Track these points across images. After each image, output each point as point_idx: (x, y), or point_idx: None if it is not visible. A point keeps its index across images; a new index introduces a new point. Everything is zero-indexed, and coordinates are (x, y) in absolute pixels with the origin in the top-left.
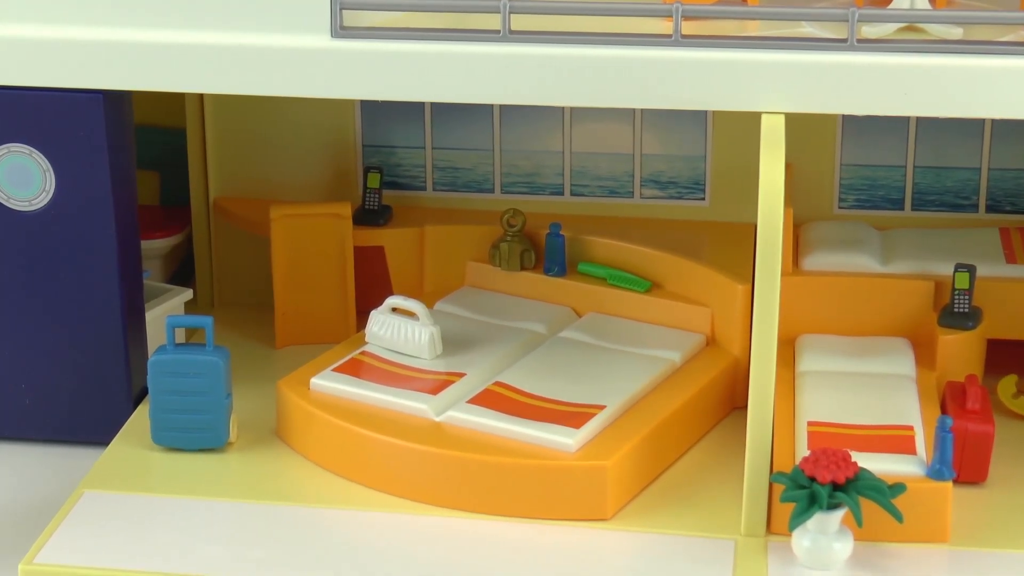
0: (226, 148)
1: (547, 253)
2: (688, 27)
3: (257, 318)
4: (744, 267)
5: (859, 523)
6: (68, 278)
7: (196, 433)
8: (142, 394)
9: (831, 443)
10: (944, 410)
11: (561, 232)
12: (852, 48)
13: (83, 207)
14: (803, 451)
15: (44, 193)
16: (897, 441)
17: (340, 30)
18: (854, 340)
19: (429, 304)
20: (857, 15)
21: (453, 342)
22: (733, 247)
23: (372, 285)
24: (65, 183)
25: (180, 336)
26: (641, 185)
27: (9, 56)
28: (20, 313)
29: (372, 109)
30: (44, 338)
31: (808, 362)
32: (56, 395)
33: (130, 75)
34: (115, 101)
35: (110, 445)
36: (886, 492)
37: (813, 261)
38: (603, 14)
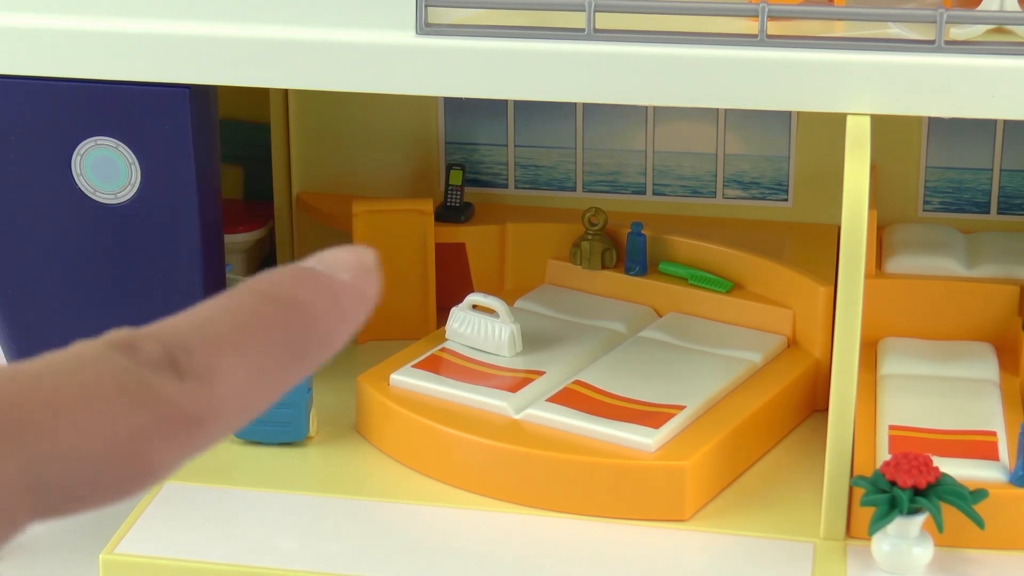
0: (309, 143)
1: (628, 252)
2: (774, 27)
3: None
4: (827, 269)
5: (940, 528)
6: (151, 270)
7: (276, 427)
8: None
9: (912, 447)
10: None
11: (643, 231)
12: (940, 50)
13: (168, 200)
14: (884, 455)
15: (129, 186)
16: (979, 446)
17: (425, 27)
18: (937, 344)
19: (509, 302)
20: (945, 16)
21: (533, 340)
22: (816, 248)
23: (453, 282)
24: (150, 176)
25: None
26: (724, 185)
27: (96, 50)
28: (103, 305)
29: (455, 106)
30: None
31: (890, 365)
32: None
33: (216, 70)
34: (201, 95)
35: None
36: (967, 498)
37: (897, 264)
38: (688, 13)
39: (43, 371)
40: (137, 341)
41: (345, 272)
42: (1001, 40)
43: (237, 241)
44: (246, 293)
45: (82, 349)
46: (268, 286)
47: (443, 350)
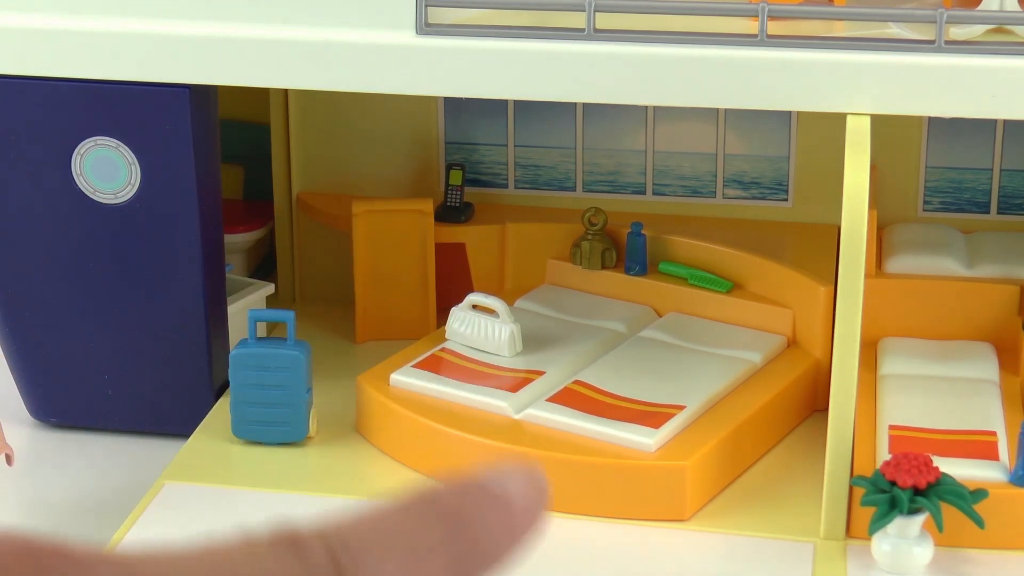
0: (309, 143)
1: (628, 252)
2: (774, 27)
3: (338, 313)
4: (827, 269)
5: (940, 528)
6: (152, 271)
7: (276, 427)
8: (223, 387)
9: (913, 447)
10: None
11: (642, 231)
12: (940, 50)
13: (168, 201)
14: (884, 455)
15: (129, 186)
16: (979, 446)
17: (425, 27)
18: (937, 344)
19: (509, 302)
20: (945, 16)
21: (533, 340)
22: (816, 248)
23: (453, 282)
24: (150, 177)
25: (261, 330)
26: (724, 185)
27: (96, 50)
28: (103, 305)
29: (455, 106)
30: (127, 330)
31: (890, 365)
32: (138, 387)
33: (216, 70)
34: (201, 95)
35: (191, 437)
36: (967, 497)
37: (897, 263)
38: (688, 13)
39: (214, 562)
40: (304, 540)
41: (516, 488)
42: (1001, 40)
43: (237, 241)
44: (415, 502)
45: (249, 541)
46: (438, 498)
47: (443, 350)
